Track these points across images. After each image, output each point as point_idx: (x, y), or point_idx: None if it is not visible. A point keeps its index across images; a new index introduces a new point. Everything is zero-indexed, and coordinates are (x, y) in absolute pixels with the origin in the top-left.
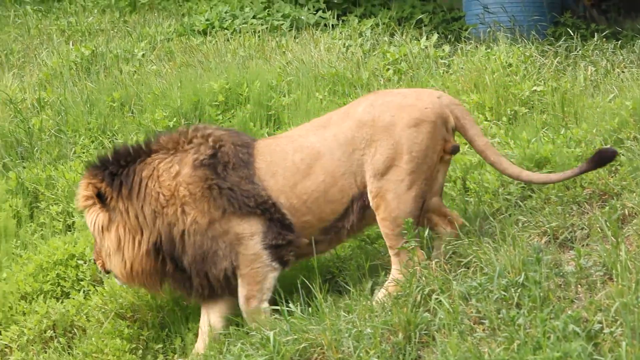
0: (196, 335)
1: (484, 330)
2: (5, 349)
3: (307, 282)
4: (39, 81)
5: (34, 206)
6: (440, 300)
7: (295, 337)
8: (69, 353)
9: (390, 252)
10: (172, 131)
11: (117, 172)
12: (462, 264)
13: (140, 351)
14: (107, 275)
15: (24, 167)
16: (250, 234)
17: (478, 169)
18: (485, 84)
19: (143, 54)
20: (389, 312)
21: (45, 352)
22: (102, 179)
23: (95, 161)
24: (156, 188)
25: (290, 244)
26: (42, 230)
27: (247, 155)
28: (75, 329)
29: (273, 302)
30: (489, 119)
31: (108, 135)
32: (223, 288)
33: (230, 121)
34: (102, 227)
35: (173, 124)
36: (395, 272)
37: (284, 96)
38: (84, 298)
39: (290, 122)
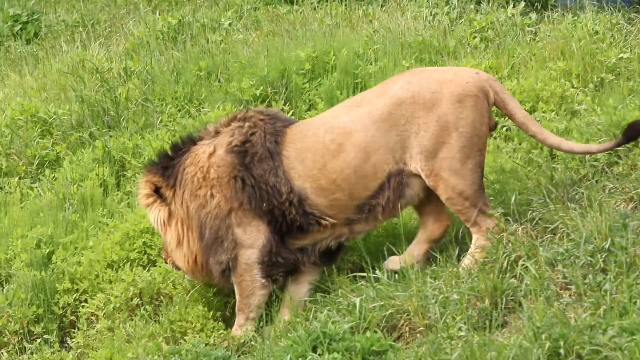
0: (281, 301)
1: (570, 295)
2: (92, 317)
3: (394, 249)
4: (125, 50)
5: (120, 175)
6: (527, 266)
7: (382, 303)
8: (155, 320)
9: (468, 225)
10: (212, 122)
11: (168, 165)
12: (548, 230)
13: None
14: (179, 271)
15: (111, 136)
16: (252, 242)
17: (565, 136)
18: (572, 52)
19: (230, 23)
20: (476, 279)
21: (132, 320)
22: (157, 174)
23: (154, 158)
24: (193, 171)
25: (282, 264)
26: (128, 198)
27: (274, 144)
28: (161, 297)
29: (360, 268)
30: (575, 86)
31: (195, 104)
32: (222, 280)
33: (317, 89)
34: (164, 223)
35: (260, 93)
36: (480, 239)
37: (371, 64)
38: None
39: None
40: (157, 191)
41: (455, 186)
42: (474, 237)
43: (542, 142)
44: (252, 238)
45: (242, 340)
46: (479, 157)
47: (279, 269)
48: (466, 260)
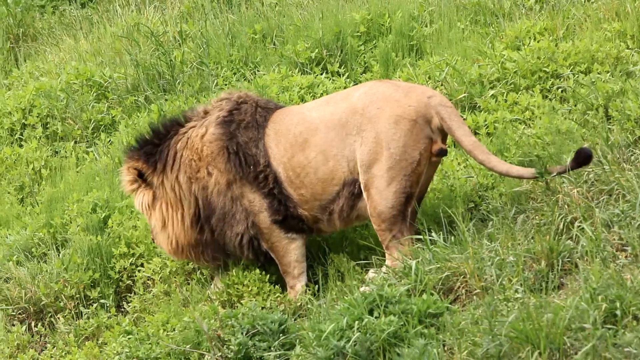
0: (338, 265)
1: (626, 257)
2: (148, 281)
3: (450, 211)
4: (180, 14)
5: None
6: (583, 228)
7: (438, 266)
8: (211, 284)
9: (383, 245)
10: (202, 105)
11: (152, 151)
12: (604, 191)
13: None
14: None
15: (166, 100)
16: (260, 208)
17: (620, 97)
18: (627, 12)
19: None
20: (532, 240)
21: (188, 284)
22: (140, 160)
23: (132, 144)
24: (189, 155)
25: (291, 216)
26: None
27: (263, 118)
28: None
29: (416, 231)
30: (630, 47)
31: (250, 67)
32: (242, 251)
33: (372, 52)
34: (148, 206)
35: (315, 55)
36: (388, 262)
37: (426, 26)
38: None
39: (433, 52)
40: (140, 176)
41: (376, 206)
42: (387, 259)
43: (490, 170)
44: (258, 204)
45: (299, 304)
46: (405, 182)
47: (295, 220)
48: (370, 274)
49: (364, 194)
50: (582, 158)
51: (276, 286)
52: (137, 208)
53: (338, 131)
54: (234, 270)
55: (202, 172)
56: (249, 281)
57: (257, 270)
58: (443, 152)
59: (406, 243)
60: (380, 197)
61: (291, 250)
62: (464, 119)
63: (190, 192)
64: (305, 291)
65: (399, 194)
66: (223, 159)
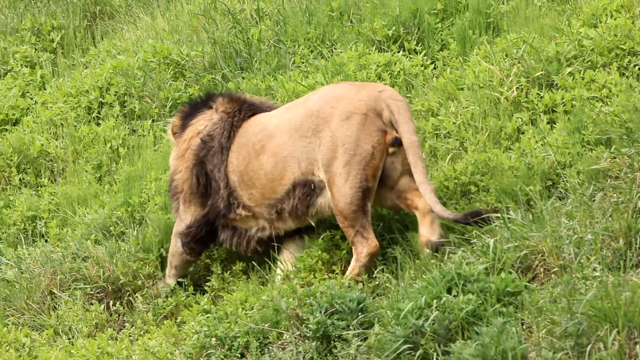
0: (417, 243)
1: None
2: (226, 260)
3: (527, 189)
4: None
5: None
6: None
7: (516, 244)
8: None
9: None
10: (227, 93)
11: (185, 119)
12: None
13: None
14: None
15: (243, 78)
16: (185, 218)
17: None
18: None
19: None
20: (610, 218)
21: (267, 263)
22: (178, 120)
23: (184, 104)
24: (186, 137)
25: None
26: None
27: (227, 139)
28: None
29: (494, 209)
30: None
31: (327, 45)
32: None
33: (449, 29)
34: (172, 168)
35: (392, 33)
36: (355, 260)
37: (503, 4)
38: None
39: (510, 29)
40: (175, 135)
41: (337, 203)
42: (354, 258)
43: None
44: (185, 217)
45: (377, 283)
46: (360, 177)
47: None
48: (346, 272)
49: (329, 193)
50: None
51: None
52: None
53: (291, 134)
54: (310, 249)
55: (179, 161)
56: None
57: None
58: (397, 141)
59: (370, 237)
60: (340, 194)
61: (177, 258)
62: (412, 117)
63: (171, 166)
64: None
65: (355, 189)
66: (191, 173)
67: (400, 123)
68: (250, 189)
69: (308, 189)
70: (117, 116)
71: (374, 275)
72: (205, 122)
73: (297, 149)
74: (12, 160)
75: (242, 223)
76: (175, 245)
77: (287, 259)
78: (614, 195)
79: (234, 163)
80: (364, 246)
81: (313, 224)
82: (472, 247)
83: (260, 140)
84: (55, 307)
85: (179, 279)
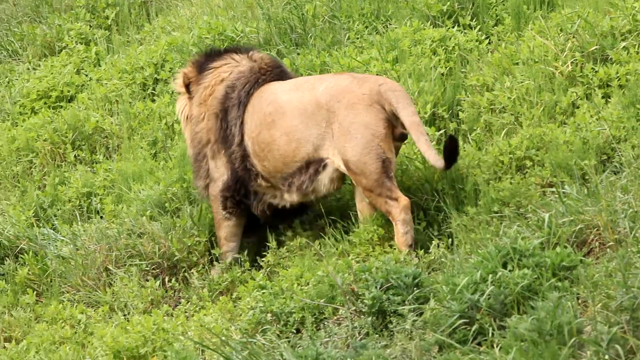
0: (471, 219)
1: None
2: (282, 236)
3: (582, 164)
4: None
5: None
6: None
7: (571, 218)
8: (345, 240)
9: (384, 213)
10: (248, 48)
11: (204, 70)
12: None
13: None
14: None
15: (298, 54)
16: (219, 176)
17: None
18: None
19: None
20: None
21: (322, 238)
22: (194, 71)
23: (200, 54)
24: (206, 83)
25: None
26: None
27: (245, 95)
28: (352, 215)
29: (549, 183)
30: None
31: (382, 20)
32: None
33: (503, 4)
34: (186, 117)
35: (446, 9)
36: (398, 222)
37: None
38: None
39: (564, 4)
40: (188, 86)
41: (361, 183)
42: (394, 223)
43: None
44: (219, 172)
45: (432, 258)
46: (377, 150)
47: (233, 203)
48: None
49: (351, 178)
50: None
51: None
52: (177, 112)
53: (302, 119)
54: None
55: (201, 108)
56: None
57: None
58: (404, 137)
59: (399, 195)
60: (362, 174)
61: (223, 227)
62: (412, 102)
63: (192, 119)
64: (227, 268)
65: (374, 163)
66: (214, 121)
67: (400, 109)
68: (263, 161)
69: (318, 166)
70: (172, 92)
71: (429, 250)
72: (230, 68)
73: (312, 134)
74: (67, 137)
75: (262, 190)
76: (217, 211)
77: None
78: None
79: (248, 124)
80: (396, 206)
81: (313, 200)
82: (528, 222)
83: (272, 114)
84: (110, 284)
85: (236, 255)
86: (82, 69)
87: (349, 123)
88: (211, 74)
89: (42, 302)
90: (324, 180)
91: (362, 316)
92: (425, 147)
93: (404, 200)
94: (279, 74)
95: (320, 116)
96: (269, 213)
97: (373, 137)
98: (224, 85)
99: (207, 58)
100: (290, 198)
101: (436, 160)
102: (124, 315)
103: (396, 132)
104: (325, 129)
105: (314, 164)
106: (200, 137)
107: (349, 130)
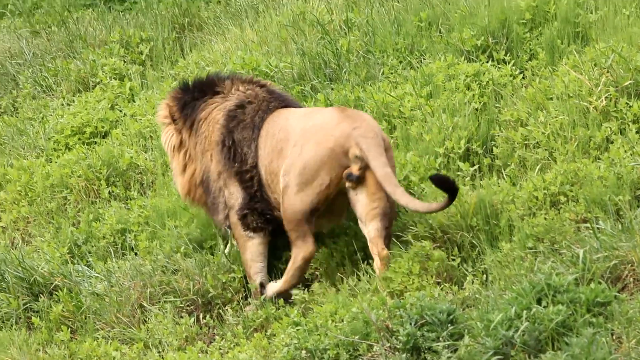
0: (505, 254)
1: None
2: (315, 272)
3: (617, 199)
4: (345, 2)
5: None
6: None
7: (606, 254)
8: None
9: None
10: (235, 75)
11: (188, 103)
12: None
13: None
14: None
15: (332, 89)
16: (235, 201)
17: None
18: None
19: None
20: None
21: (355, 275)
22: (176, 106)
23: (178, 86)
24: (205, 131)
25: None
26: None
27: (260, 119)
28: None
29: (583, 219)
30: None
31: (416, 55)
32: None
33: (537, 39)
34: (174, 148)
35: (481, 43)
36: (289, 264)
37: (591, 13)
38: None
39: (598, 38)
40: (172, 117)
41: (285, 209)
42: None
43: (396, 201)
44: (234, 197)
45: (466, 294)
46: (311, 197)
47: (255, 217)
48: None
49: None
50: (443, 183)
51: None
52: (162, 144)
53: None
54: (396, 264)
55: (207, 154)
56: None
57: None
58: (351, 176)
59: (309, 242)
60: (289, 202)
61: (248, 248)
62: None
63: (202, 161)
64: (261, 305)
65: (306, 204)
66: (218, 149)
67: (370, 159)
68: (274, 194)
69: None
70: None
71: (463, 286)
72: (222, 98)
73: None
74: (101, 173)
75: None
76: (239, 235)
77: None
78: None
79: (262, 150)
80: (301, 249)
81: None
82: (562, 258)
83: (280, 141)
84: (145, 320)
85: (264, 278)
86: (116, 105)
87: (308, 156)
88: (203, 122)
89: (76, 339)
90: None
91: (397, 353)
92: (405, 200)
93: (310, 250)
94: (281, 99)
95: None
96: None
97: (318, 185)
98: (223, 113)
99: (186, 93)
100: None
101: (427, 206)
102: (159, 352)
103: (346, 172)
104: (294, 145)
105: None
106: (213, 176)
107: (305, 165)
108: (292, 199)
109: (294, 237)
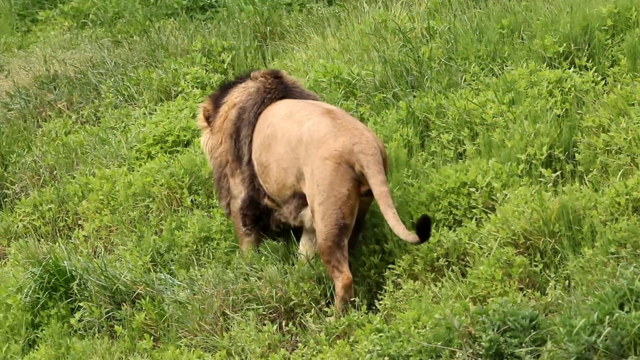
0: (588, 260)
1: None
2: (398, 279)
3: None
4: (427, 10)
5: (424, 135)
6: None
7: None
8: (461, 281)
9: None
10: (265, 69)
11: (218, 100)
12: None
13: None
14: None
15: (414, 96)
16: (238, 193)
17: None
18: None
19: None
20: None
21: (438, 280)
22: (210, 104)
23: (217, 88)
24: (221, 112)
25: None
26: (433, 159)
27: (254, 115)
28: (467, 257)
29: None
30: None
31: (498, 62)
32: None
33: (619, 45)
34: (210, 149)
35: (563, 50)
36: (337, 292)
37: None
38: (477, 226)
39: None
40: (208, 119)
41: (317, 239)
42: (335, 294)
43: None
44: (238, 189)
45: (549, 300)
46: (335, 215)
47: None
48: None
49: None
50: (423, 225)
51: (527, 283)
52: (202, 146)
53: (288, 150)
54: (481, 267)
55: (219, 135)
56: (499, 278)
57: (500, 272)
58: (370, 193)
59: (344, 271)
60: (317, 230)
61: (245, 243)
62: (382, 168)
63: (212, 147)
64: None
65: (330, 226)
66: (230, 142)
67: (369, 176)
68: (266, 183)
69: (299, 200)
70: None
71: (546, 292)
72: (240, 92)
73: (294, 166)
74: (183, 181)
75: (271, 206)
76: (239, 227)
77: (307, 245)
78: None
79: (255, 143)
80: (339, 280)
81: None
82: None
83: (269, 137)
84: (227, 328)
85: None
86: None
87: (318, 177)
88: (225, 103)
89: (159, 347)
90: (308, 215)
91: (480, 359)
92: (393, 222)
93: (346, 278)
94: (283, 90)
95: (300, 152)
96: (283, 228)
97: (336, 200)
98: (236, 108)
99: (222, 91)
100: (293, 222)
101: (406, 235)
102: (242, 359)
103: (363, 189)
104: (303, 166)
105: (299, 197)
106: (220, 160)
107: (318, 184)
108: (319, 226)
109: (330, 269)
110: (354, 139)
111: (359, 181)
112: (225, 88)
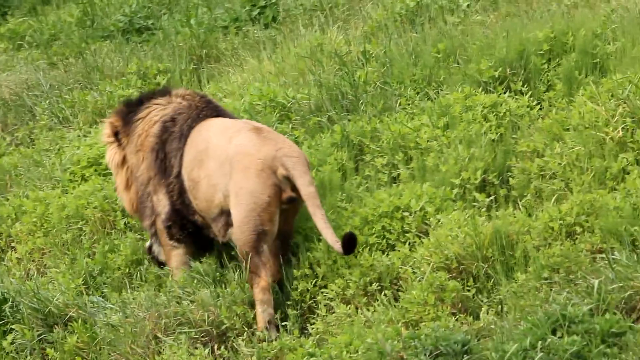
0: (521, 285)
1: None
2: (331, 303)
3: (632, 230)
4: (363, 34)
5: (358, 159)
6: None
7: (621, 285)
8: (394, 306)
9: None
10: (178, 88)
11: (129, 116)
12: None
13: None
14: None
15: (349, 120)
16: (162, 209)
17: None
18: None
19: (468, 5)
20: None
21: (371, 305)
22: (119, 120)
23: (122, 102)
24: (140, 131)
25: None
26: (367, 183)
27: (188, 128)
28: (400, 281)
29: (598, 249)
30: None
31: (433, 86)
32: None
33: (555, 70)
34: (117, 164)
35: (498, 74)
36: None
37: (609, 44)
38: (410, 250)
39: (615, 69)
40: (116, 134)
41: (235, 244)
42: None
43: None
44: (162, 205)
45: (482, 324)
46: (254, 221)
47: (186, 227)
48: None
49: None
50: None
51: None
52: (107, 162)
53: (217, 166)
54: (414, 292)
55: (139, 155)
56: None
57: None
58: (292, 200)
59: (262, 275)
60: (236, 238)
61: (173, 257)
62: (308, 170)
63: (134, 167)
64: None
65: (249, 232)
66: (152, 157)
67: (296, 177)
68: (196, 199)
69: (227, 217)
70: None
71: (479, 317)
72: (160, 110)
73: (222, 182)
74: (117, 204)
75: (202, 223)
76: (165, 242)
77: None
78: None
79: (186, 159)
80: (257, 284)
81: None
82: (577, 288)
83: (201, 152)
84: (159, 352)
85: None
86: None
87: (239, 184)
88: (141, 123)
89: None
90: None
91: None
92: (322, 225)
93: (264, 281)
94: (215, 109)
95: (227, 169)
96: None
97: (255, 207)
98: (159, 123)
99: (130, 107)
100: (222, 239)
101: (334, 241)
102: None
103: (284, 196)
104: (229, 181)
105: (227, 214)
106: (142, 179)
107: (237, 194)
108: (238, 232)
109: (249, 277)
110: (278, 145)
111: (281, 188)
112: (134, 105)
